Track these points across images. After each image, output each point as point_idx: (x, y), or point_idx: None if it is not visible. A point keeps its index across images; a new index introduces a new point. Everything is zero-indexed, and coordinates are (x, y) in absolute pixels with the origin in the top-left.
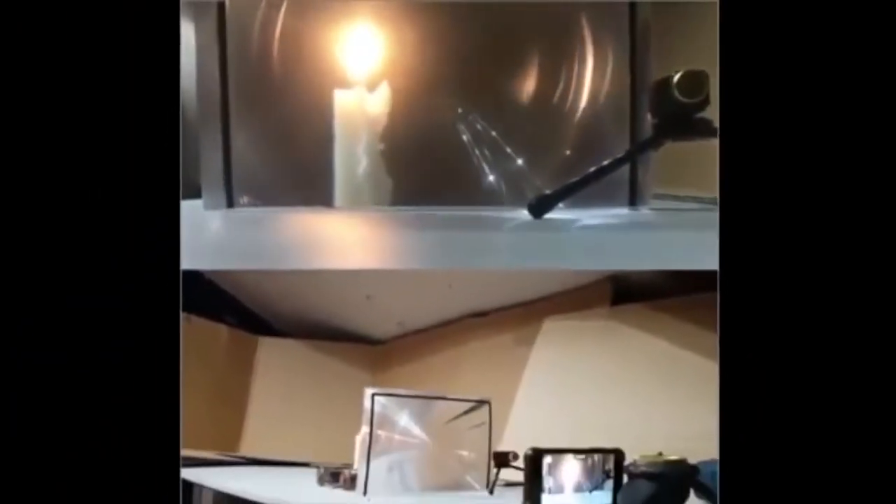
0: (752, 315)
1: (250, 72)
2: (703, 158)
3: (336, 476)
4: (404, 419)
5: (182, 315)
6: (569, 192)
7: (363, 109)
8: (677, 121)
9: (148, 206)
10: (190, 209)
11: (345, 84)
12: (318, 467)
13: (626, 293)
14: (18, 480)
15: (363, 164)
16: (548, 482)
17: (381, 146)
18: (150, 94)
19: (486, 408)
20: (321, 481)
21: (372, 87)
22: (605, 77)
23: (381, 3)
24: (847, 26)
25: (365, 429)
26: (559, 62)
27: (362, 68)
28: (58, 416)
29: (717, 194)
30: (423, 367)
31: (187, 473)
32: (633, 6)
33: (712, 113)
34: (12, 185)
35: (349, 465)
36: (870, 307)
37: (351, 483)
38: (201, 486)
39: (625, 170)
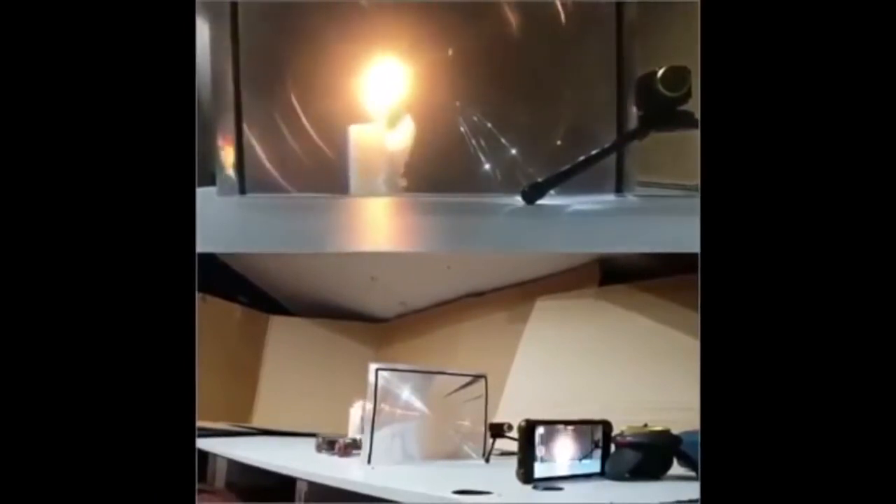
0: (731, 294)
1: (262, 67)
2: (685, 148)
3: (332, 444)
4: (406, 392)
5: (198, 295)
6: (560, 180)
7: (379, 142)
8: (661, 113)
9: (166, 194)
10: (205, 196)
11: (354, 77)
12: (317, 436)
13: (614, 274)
14: (41, 452)
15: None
16: (540, 451)
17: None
18: (167, 90)
19: (482, 382)
20: (319, 449)
21: (389, 123)
22: (594, 72)
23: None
24: (822, 24)
25: (360, 401)
26: (552, 58)
27: (377, 98)
28: (80, 389)
29: (698, 181)
30: (423, 343)
31: (202, 443)
32: (619, 6)
33: (694, 105)
34: (43, 173)
35: (344, 435)
36: (844, 285)
37: (345, 451)
38: (215, 455)
39: (612, 159)
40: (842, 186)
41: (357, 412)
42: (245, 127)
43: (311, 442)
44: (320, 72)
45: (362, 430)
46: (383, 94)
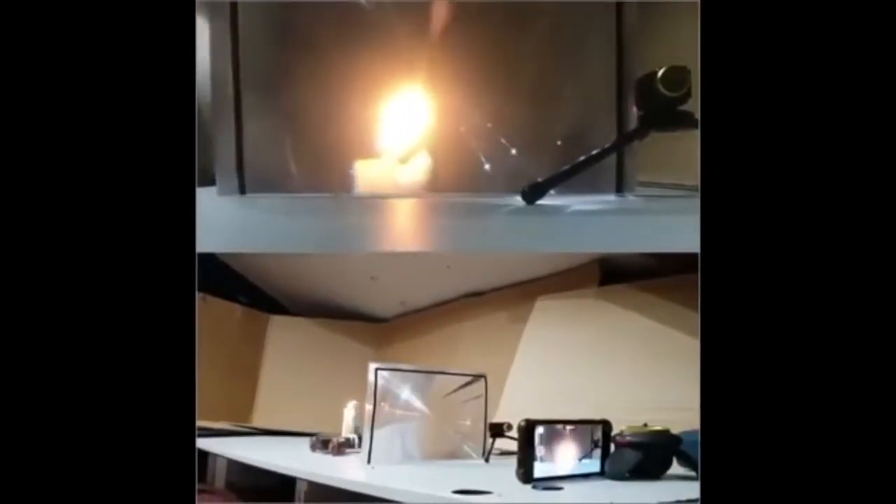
0: (731, 294)
1: (262, 67)
2: (685, 148)
3: (326, 443)
4: (406, 392)
5: (198, 295)
6: (560, 180)
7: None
8: (661, 113)
9: (166, 194)
10: (205, 196)
11: (354, 75)
12: (315, 436)
13: (614, 274)
14: (41, 452)
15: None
16: (540, 451)
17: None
18: (167, 90)
19: (482, 381)
20: (313, 448)
21: (402, 160)
22: (594, 72)
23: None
24: (822, 24)
25: (353, 402)
26: (552, 58)
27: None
28: (80, 389)
29: (698, 181)
30: (423, 343)
31: (202, 443)
32: (619, 6)
33: (694, 106)
34: (43, 173)
35: (338, 434)
36: (843, 285)
37: (339, 449)
38: (215, 455)
39: (612, 159)
40: (842, 186)
41: (350, 412)
42: (245, 127)
43: (308, 441)
44: (320, 70)
45: (355, 430)
46: (386, 97)
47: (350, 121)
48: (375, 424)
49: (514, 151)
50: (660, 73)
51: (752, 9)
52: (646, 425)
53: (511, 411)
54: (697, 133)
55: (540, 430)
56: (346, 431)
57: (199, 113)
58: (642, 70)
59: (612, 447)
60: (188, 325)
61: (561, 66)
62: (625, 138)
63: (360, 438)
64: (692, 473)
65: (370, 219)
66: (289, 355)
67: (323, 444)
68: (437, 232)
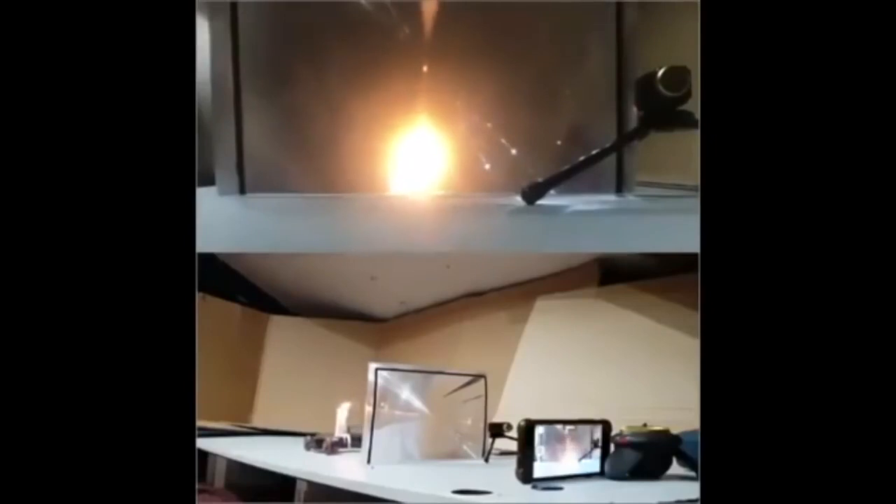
0: (731, 294)
1: (262, 67)
2: (685, 148)
3: (320, 443)
4: (406, 392)
5: (198, 295)
6: (560, 180)
7: None
8: (661, 113)
9: (166, 194)
10: (205, 196)
11: (354, 74)
12: (310, 435)
13: (613, 274)
14: (41, 452)
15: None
16: (540, 451)
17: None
18: (167, 90)
19: (482, 381)
20: (307, 447)
21: None
22: (594, 72)
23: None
24: (822, 24)
25: (346, 402)
26: (552, 58)
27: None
28: (81, 389)
29: (698, 181)
30: (423, 343)
31: (202, 443)
32: (619, 6)
33: (694, 105)
34: (43, 173)
35: (332, 434)
36: (843, 285)
37: (332, 448)
38: (215, 455)
39: (612, 159)
40: (841, 186)
41: (343, 413)
42: (245, 127)
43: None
44: (320, 70)
45: (348, 430)
46: (385, 97)
47: (350, 120)
48: (375, 424)
49: (514, 151)
50: (660, 73)
51: (752, 9)
52: (646, 425)
53: (511, 411)
54: (697, 133)
55: (540, 430)
56: (340, 431)
57: (199, 113)
58: (642, 70)
59: (612, 447)
60: (188, 325)
61: (561, 66)
62: (625, 138)
63: (352, 438)
64: (692, 473)
65: (370, 219)
66: (288, 355)
67: (317, 443)
68: (437, 232)
